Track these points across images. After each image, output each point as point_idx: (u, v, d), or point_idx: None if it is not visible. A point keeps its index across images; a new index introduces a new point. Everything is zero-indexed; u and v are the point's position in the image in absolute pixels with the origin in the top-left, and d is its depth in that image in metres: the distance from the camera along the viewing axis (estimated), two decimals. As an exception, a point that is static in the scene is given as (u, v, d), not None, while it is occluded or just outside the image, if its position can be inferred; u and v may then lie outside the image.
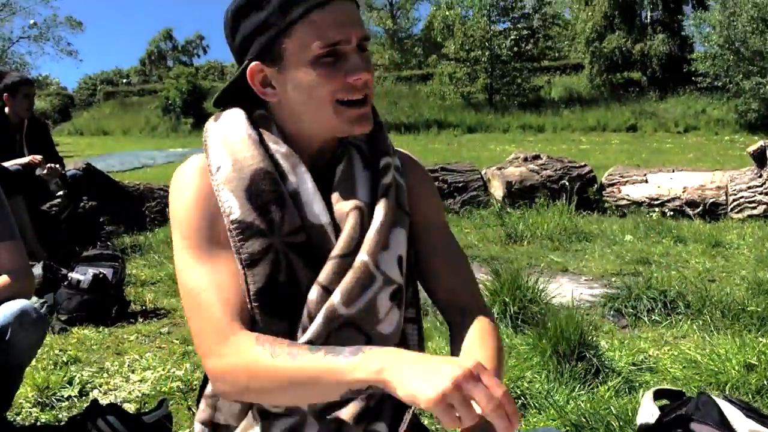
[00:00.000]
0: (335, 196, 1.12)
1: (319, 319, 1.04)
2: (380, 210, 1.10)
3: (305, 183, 1.10)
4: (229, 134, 1.12)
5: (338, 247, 1.07)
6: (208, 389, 1.16)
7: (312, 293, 1.05)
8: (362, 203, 1.11)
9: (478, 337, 1.11)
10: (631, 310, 3.47)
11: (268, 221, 1.06)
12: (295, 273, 1.07)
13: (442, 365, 0.83)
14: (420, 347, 1.21)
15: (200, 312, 1.05)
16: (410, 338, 1.19)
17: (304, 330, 1.05)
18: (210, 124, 1.17)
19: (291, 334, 1.06)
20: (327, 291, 1.05)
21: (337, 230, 1.09)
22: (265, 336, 1.00)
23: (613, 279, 4.29)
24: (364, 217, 1.09)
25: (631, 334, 3.20)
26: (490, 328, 1.13)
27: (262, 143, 1.11)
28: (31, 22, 38.98)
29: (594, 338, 2.80)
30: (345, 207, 1.10)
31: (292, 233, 1.07)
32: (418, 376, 0.83)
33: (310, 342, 1.03)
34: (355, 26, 1.06)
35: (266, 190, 1.07)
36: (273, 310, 1.06)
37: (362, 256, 1.06)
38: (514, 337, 3.04)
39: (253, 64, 1.10)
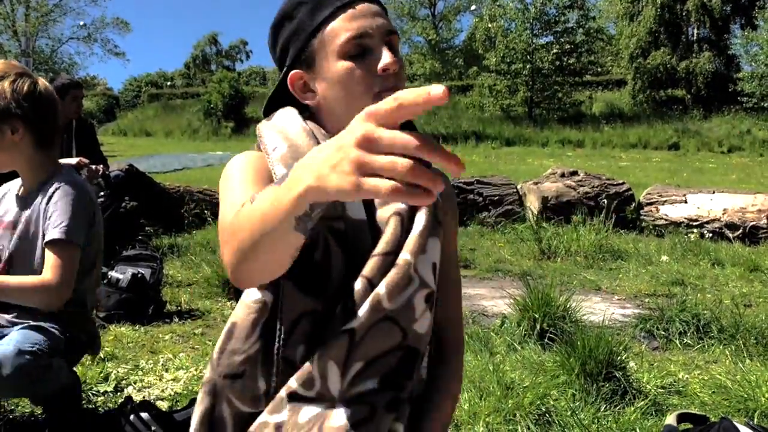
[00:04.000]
0: (377, 201, 1.17)
1: (365, 308, 1.06)
2: (421, 216, 1.14)
3: None
4: (285, 125, 1.20)
5: (381, 245, 1.10)
6: (206, 375, 1.18)
7: (357, 284, 1.08)
8: (402, 209, 1.15)
9: (443, 381, 1.24)
10: (663, 332, 3.44)
11: None
12: (330, 256, 1.11)
13: (338, 144, 0.70)
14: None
15: (225, 207, 1.08)
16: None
17: (346, 319, 1.08)
18: (263, 123, 1.24)
19: (309, 313, 1.10)
20: (371, 284, 1.08)
21: (373, 231, 1.14)
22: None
23: (647, 300, 4.25)
24: (404, 222, 1.14)
25: (662, 357, 3.18)
26: (456, 376, 1.27)
27: (314, 136, 1.18)
28: (80, 23, 40.05)
29: (623, 359, 2.79)
30: (386, 212, 1.15)
31: (333, 219, 1.12)
32: (327, 170, 0.71)
33: (352, 330, 1.06)
34: (378, 21, 1.14)
35: None
36: (299, 283, 1.10)
37: (405, 255, 1.09)
38: (541, 353, 3.04)
39: (292, 72, 1.19)
